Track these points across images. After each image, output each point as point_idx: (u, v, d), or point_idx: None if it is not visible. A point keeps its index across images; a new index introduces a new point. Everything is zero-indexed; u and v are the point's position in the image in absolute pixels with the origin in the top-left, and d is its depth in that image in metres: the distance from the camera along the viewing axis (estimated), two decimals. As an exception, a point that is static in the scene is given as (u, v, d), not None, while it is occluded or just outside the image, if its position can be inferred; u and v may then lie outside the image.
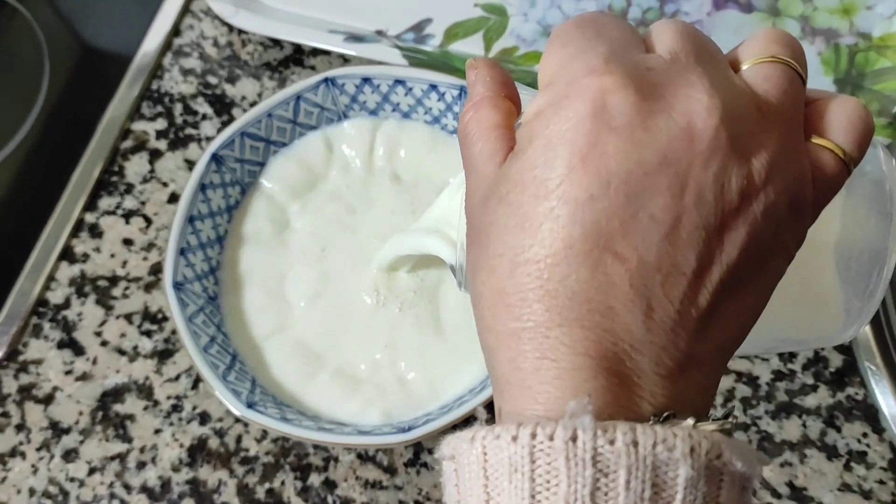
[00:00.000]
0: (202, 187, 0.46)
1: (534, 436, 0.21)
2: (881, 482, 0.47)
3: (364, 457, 0.47)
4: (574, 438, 0.20)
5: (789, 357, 0.49)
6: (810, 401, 0.49)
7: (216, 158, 0.47)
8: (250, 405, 0.42)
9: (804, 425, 0.48)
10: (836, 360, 0.49)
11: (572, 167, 0.22)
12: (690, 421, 0.22)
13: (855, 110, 0.25)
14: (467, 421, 0.43)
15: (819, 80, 0.54)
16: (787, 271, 0.26)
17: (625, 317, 0.22)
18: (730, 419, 0.22)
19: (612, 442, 0.20)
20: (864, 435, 0.48)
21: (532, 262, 0.23)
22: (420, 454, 0.47)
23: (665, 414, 0.22)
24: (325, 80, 0.48)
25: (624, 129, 0.22)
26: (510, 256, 0.23)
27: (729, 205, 0.22)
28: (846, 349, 0.49)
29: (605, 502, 0.20)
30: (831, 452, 0.47)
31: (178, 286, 0.44)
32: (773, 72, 0.25)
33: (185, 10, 0.59)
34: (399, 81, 0.49)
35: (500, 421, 0.24)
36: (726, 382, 0.49)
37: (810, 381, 0.49)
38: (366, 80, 0.49)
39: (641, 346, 0.22)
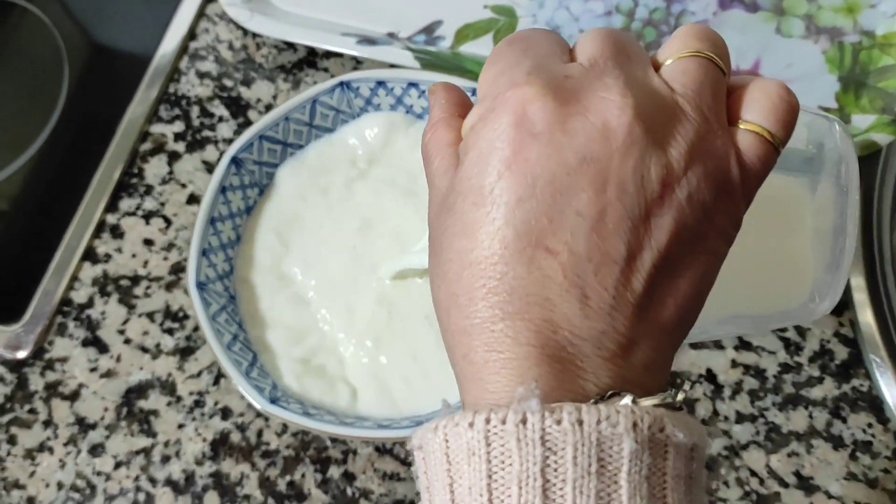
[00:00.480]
0: (222, 189, 0.48)
1: (488, 421, 0.22)
2: (886, 471, 0.48)
3: (382, 450, 0.49)
4: (524, 421, 0.22)
5: (796, 350, 0.51)
6: (816, 392, 0.50)
7: (235, 161, 0.48)
8: (273, 401, 0.43)
9: (811, 416, 0.49)
10: (842, 353, 0.51)
11: (501, 174, 0.24)
12: (631, 398, 0.23)
13: (775, 92, 0.27)
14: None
15: (824, 78, 0.55)
16: (764, 250, 0.28)
17: (562, 306, 0.24)
18: (669, 394, 0.24)
19: (558, 422, 0.22)
20: (869, 425, 0.49)
21: (475, 264, 0.24)
22: (436, 447, 0.49)
23: (610, 393, 0.23)
24: (341, 83, 0.50)
25: (544, 135, 0.24)
26: (457, 260, 0.25)
27: (651, 194, 0.24)
28: (851, 342, 0.51)
29: (554, 477, 0.22)
30: (837, 442, 0.49)
31: (201, 286, 0.45)
32: (691, 65, 0.26)
33: (201, 14, 0.61)
34: (412, 84, 0.50)
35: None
36: (734, 375, 0.50)
37: (816, 373, 0.50)
38: (380, 83, 0.50)
39: (581, 331, 0.24)
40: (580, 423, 0.22)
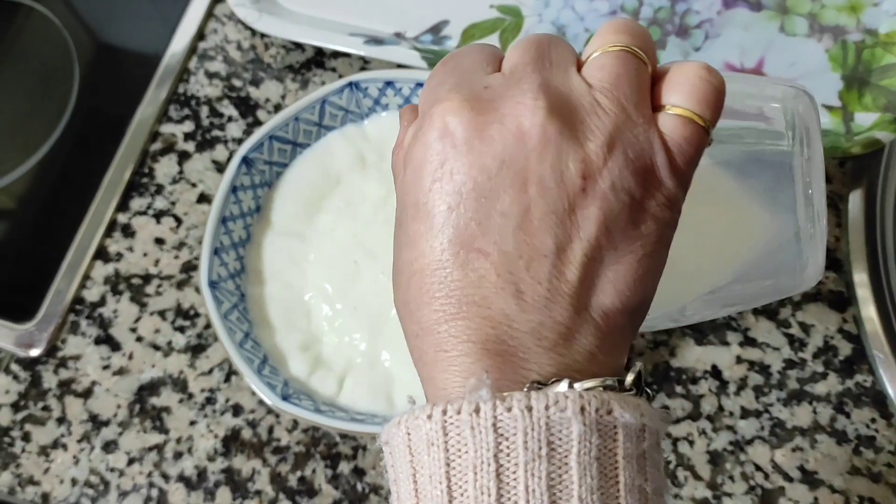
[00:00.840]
0: (233, 189, 0.48)
1: (444, 412, 0.24)
2: (889, 465, 0.49)
3: (391, 445, 0.49)
4: (477, 410, 0.23)
5: (800, 346, 0.51)
6: (820, 388, 0.50)
7: (246, 161, 0.49)
8: (285, 397, 0.44)
9: (815, 412, 0.50)
10: (846, 349, 0.51)
11: (431, 186, 0.26)
12: (567, 383, 0.24)
13: (694, 72, 0.27)
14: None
15: (827, 76, 0.55)
16: (745, 225, 0.29)
17: (498, 303, 0.25)
18: (610, 378, 0.25)
19: (509, 409, 0.23)
20: (873, 420, 0.50)
21: (419, 273, 0.26)
22: (445, 442, 0.49)
23: (554, 380, 0.24)
24: (350, 84, 0.50)
25: (465, 145, 0.25)
26: (406, 271, 0.27)
27: (573, 187, 0.25)
28: (855, 338, 0.51)
29: (507, 462, 0.23)
30: (841, 437, 0.49)
31: (213, 285, 0.46)
32: (607, 60, 0.27)
33: (209, 15, 0.61)
34: (420, 84, 0.50)
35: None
36: (739, 371, 0.51)
37: (820, 369, 0.51)
38: (388, 83, 0.51)
39: (519, 325, 0.25)
40: (529, 409, 0.23)
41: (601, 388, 0.24)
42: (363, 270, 0.49)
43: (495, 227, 0.25)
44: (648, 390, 0.27)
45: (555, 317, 0.25)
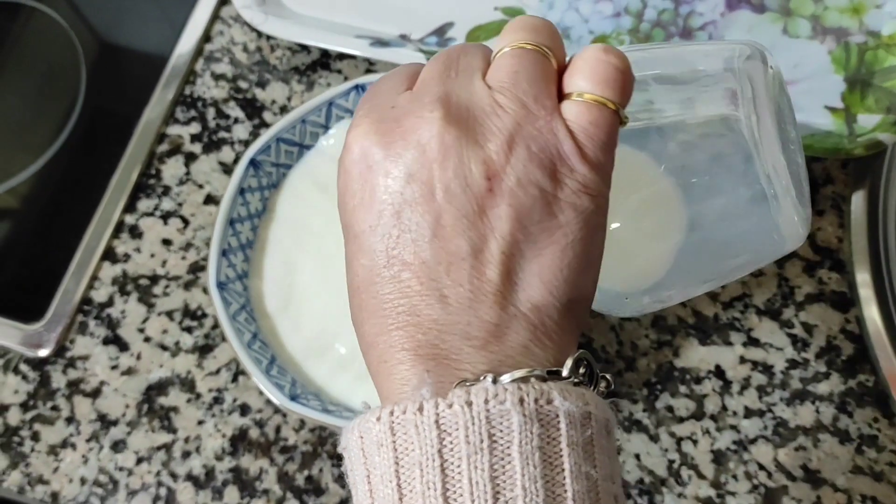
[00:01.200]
0: (241, 191, 0.49)
1: (392, 413, 0.24)
2: (891, 464, 0.49)
3: (397, 445, 0.50)
4: (421, 408, 0.24)
5: (803, 346, 0.52)
6: (823, 388, 0.51)
7: (253, 163, 0.49)
8: (293, 398, 0.44)
9: (817, 411, 0.50)
10: (848, 349, 0.52)
11: (354, 209, 0.27)
12: (492, 376, 0.25)
13: (592, 55, 0.28)
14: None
15: (830, 78, 0.56)
16: (716, 201, 0.29)
17: (425, 310, 0.26)
18: (536, 370, 0.25)
19: (450, 405, 0.24)
20: (875, 420, 0.50)
21: (356, 291, 0.28)
22: (450, 442, 0.50)
23: (491, 375, 0.25)
24: (356, 86, 0.51)
25: (377, 165, 0.27)
26: (350, 291, 0.28)
27: (479, 189, 0.26)
28: (857, 338, 0.52)
29: (451, 456, 0.23)
30: (843, 437, 0.50)
31: (221, 286, 0.46)
32: (504, 60, 0.28)
33: (215, 17, 0.62)
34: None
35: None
36: (742, 371, 0.51)
37: (823, 368, 0.51)
38: (394, 85, 0.51)
39: (448, 328, 0.25)
40: (469, 404, 0.23)
41: (537, 379, 0.25)
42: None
43: (413, 239, 0.26)
44: (607, 377, 0.28)
45: (481, 316, 0.25)
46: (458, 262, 0.25)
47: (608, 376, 0.28)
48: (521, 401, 0.24)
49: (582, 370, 0.26)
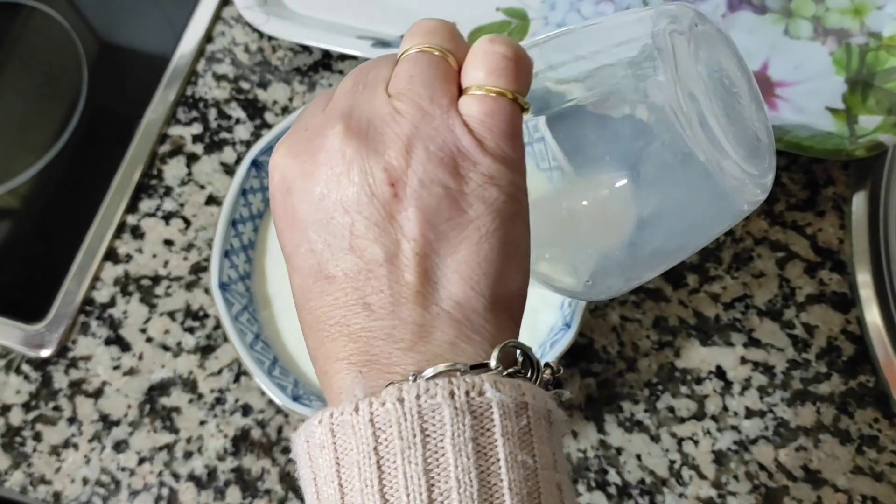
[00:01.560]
0: (243, 192, 0.49)
1: (332, 416, 0.25)
2: (892, 465, 0.49)
3: (399, 445, 0.50)
4: (357, 409, 0.24)
5: (804, 347, 0.52)
6: (824, 388, 0.51)
7: (256, 164, 0.49)
8: (295, 398, 0.44)
9: (818, 412, 0.50)
10: (849, 350, 0.52)
11: (282, 230, 0.28)
12: (439, 367, 0.25)
13: (479, 47, 0.28)
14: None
15: (831, 79, 0.56)
16: (667, 172, 0.29)
17: (353, 319, 0.26)
18: (458, 364, 0.25)
19: (383, 403, 0.24)
20: (876, 420, 0.50)
21: (297, 308, 0.29)
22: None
23: (431, 372, 0.25)
24: (358, 87, 0.50)
25: (294, 186, 0.28)
26: (295, 305, 0.29)
27: (384, 195, 0.26)
28: (858, 338, 0.52)
29: (386, 453, 0.24)
30: (844, 437, 0.50)
31: (223, 287, 0.46)
32: (401, 66, 0.28)
33: (217, 18, 0.62)
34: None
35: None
36: (743, 371, 0.51)
37: (824, 369, 0.51)
38: (396, 86, 0.51)
39: (375, 333, 0.26)
40: (401, 400, 0.24)
41: (460, 373, 0.25)
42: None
43: (332, 253, 0.27)
44: (552, 365, 0.28)
45: (405, 319, 0.26)
46: (375, 269, 0.26)
47: (553, 364, 0.28)
48: (452, 394, 0.24)
49: (520, 360, 0.26)
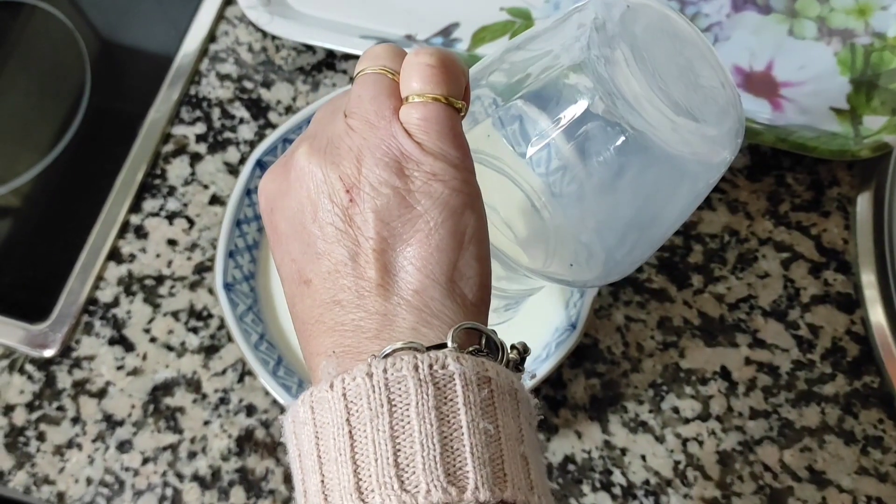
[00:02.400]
0: (247, 192, 0.49)
1: (312, 394, 0.27)
2: (897, 466, 0.49)
3: (403, 446, 0.50)
4: (332, 386, 0.27)
5: (808, 347, 0.52)
6: (829, 389, 0.51)
7: (260, 164, 0.49)
8: (300, 399, 0.44)
9: (823, 412, 0.50)
10: (854, 350, 0.52)
11: (273, 245, 0.32)
12: (395, 345, 0.27)
13: (407, 62, 0.31)
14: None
15: (835, 79, 0.56)
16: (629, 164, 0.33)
17: (328, 316, 0.29)
18: (413, 342, 0.27)
19: (353, 379, 0.26)
20: (881, 421, 0.50)
21: (291, 316, 0.32)
22: (457, 443, 0.50)
23: (390, 349, 0.27)
24: (363, 87, 0.50)
25: (276, 206, 0.31)
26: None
27: (342, 202, 0.29)
28: (863, 339, 0.52)
29: (357, 423, 0.26)
30: (849, 438, 0.50)
31: (228, 287, 0.46)
32: (354, 88, 0.31)
33: (220, 17, 0.61)
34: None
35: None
36: (748, 372, 0.51)
37: (829, 370, 0.51)
38: (401, 86, 0.51)
39: (346, 326, 0.29)
40: (369, 375, 0.26)
41: (417, 350, 0.27)
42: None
43: (307, 259, 0.30)
44: (518, 347, 0.30)
45: (369, 310, 0.28)
46: (342, 268, 0.29)
47: (520, 346, 0.30)
48: (416, 367, 0.26)
49: (483, 341, 0.29)
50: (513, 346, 0.30)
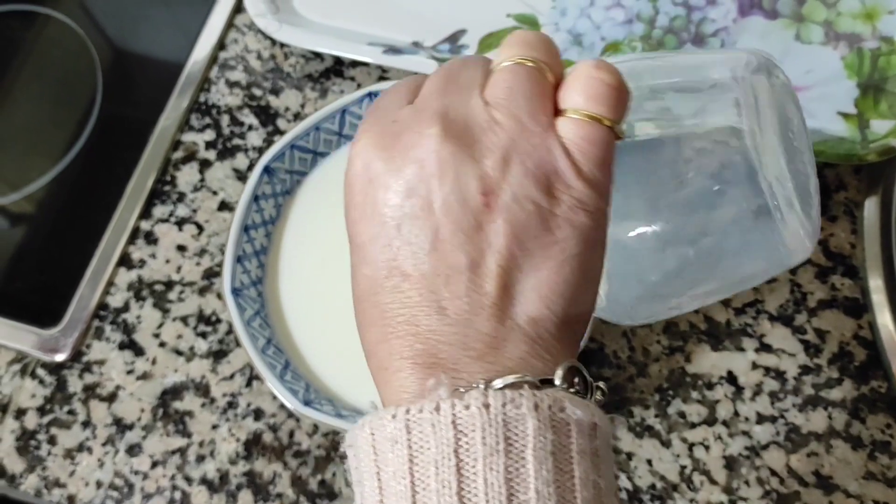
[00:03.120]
0: (255, 198, 0.49)
1: (408, 412, 0.25)
2: (905, 471, 0.49)
3: (410, 450, 0.50)
4: (438, 408, 0.24)
5: (815, 352, 0.51)
6: (836, 394, 0.51)
7: (268, 170, 0.50)
8: (307, 403, 0.45)
9: (830, 417, 0.50)
10: (861, 355, 0.51)
11: (357, 220, 0.28)
12: (508, 379, 0.25)
13: (584, 71, 0.28)
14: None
15: (843, 83, 0.56)
16: (719, 213, 0.29)
17: (424, 320, 0.26)
18: (527, 376, 0.25)
19: (467, 407, 0.24)
20: (888, 426, 0.50)
21: (358, 300, 0.28)
22: (463, 447, 0.50)
23: (483, 383, 0.25)
24: (369, 94, 0.51)
25: (378, 178, 0.27)
26: (353, 298, 0.29)
27: (475, 204, 0.26)
28: (870, 344, 0.52)
29: (466, 457, 0.24)
30: (856, 443, 0.50)
31: (236, 292, 0.47)
32: (500, 75, 0.28)
33: (230, 25, 0.62)
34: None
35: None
36: (755, 377, 0.51)
37: (836, 374, 0.51)
38: (407, 92, 0.51)
39: (446, 339, 0.26)
40: (486, 406, 0.24)
41: (530, 386, 0.25)
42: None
43: (412, 251, 0.26)
44: (602, 387, 0.28)
45: (479, 328, 0.26)
46: (456, 275, 0.26)
47: (602, 385, 0.28)
48: (537, 406, 0.24)
49: (576, 380, 0.26)
50: (596, 386, 0.28)
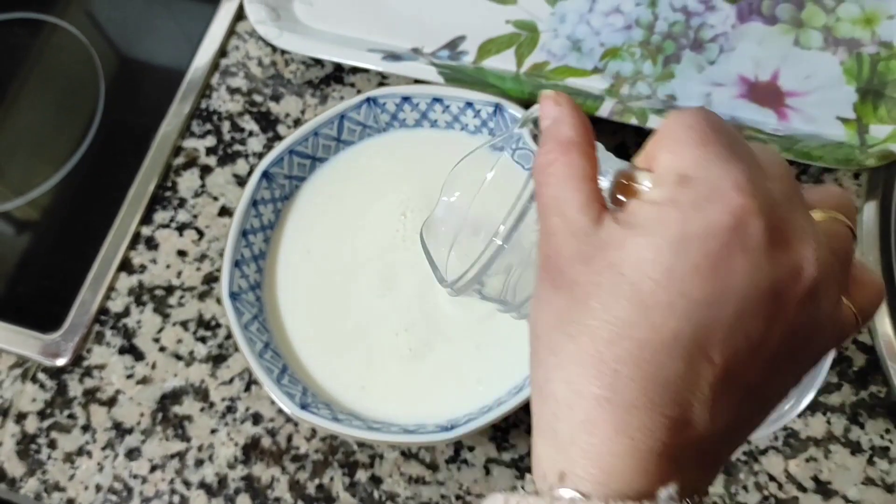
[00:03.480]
0: (254, 203, 0.50)
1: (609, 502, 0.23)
2: (904, 477, 0.49)
3: (407, 454, 0.50)
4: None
5: (814, 357, 0.51)
6: (835, 399, 0.51)
7: (266, 175, 0.50)
8: (304, 406, 0.45)
9: (829, 422, 0.50)
10: (860, 360, 0.51)
11: (700, 269, 0.24)
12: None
13: (879, 290, 0.29)
14: (506, 419, 0.45)
15: (842, 89, 0.56)
16: None
17: (699, 412, 0.24)
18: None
19: None
20: (887, 431, 0.50)
21: (636, 340, 0.24)
22: (461, 451, 0.50)
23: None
24: (367, 99, 0.51)
25: (753, 253, 0.24)
26: (615, 327, 0.24)
27: (805, 341, 0.26)
28: (869, 349, 0.51)
29: None
30: (855, 448, 0.49)
31: (234, 296, 0.47)
32: (841, 230, 0.28)
33: (231, 32, 0.63)
34: (437, 99, 0.51)
35: (544, 473, 0.25)
36: (753, 382, 0.51)
37: (835, 379, 0.51)
38: (405, 98, 0.51)
39: (700, 442, 0.24)
40: None
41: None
42: (382, 284, 0.50)
43: (734, 344, 0.24)
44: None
45: (731, 442, 0.26)
46: (751, 392, 0.25)
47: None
48: None
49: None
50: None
